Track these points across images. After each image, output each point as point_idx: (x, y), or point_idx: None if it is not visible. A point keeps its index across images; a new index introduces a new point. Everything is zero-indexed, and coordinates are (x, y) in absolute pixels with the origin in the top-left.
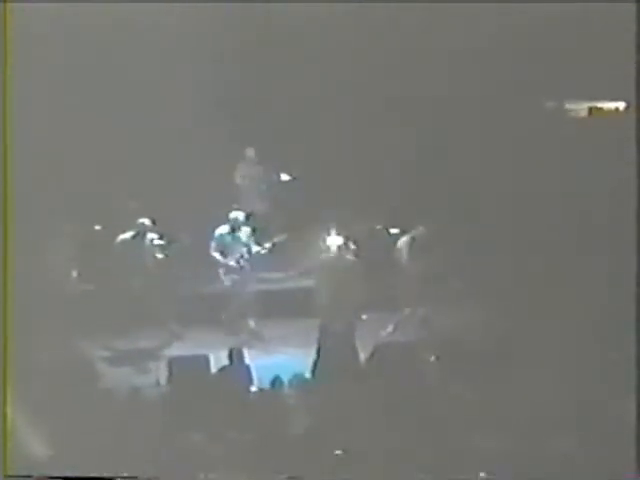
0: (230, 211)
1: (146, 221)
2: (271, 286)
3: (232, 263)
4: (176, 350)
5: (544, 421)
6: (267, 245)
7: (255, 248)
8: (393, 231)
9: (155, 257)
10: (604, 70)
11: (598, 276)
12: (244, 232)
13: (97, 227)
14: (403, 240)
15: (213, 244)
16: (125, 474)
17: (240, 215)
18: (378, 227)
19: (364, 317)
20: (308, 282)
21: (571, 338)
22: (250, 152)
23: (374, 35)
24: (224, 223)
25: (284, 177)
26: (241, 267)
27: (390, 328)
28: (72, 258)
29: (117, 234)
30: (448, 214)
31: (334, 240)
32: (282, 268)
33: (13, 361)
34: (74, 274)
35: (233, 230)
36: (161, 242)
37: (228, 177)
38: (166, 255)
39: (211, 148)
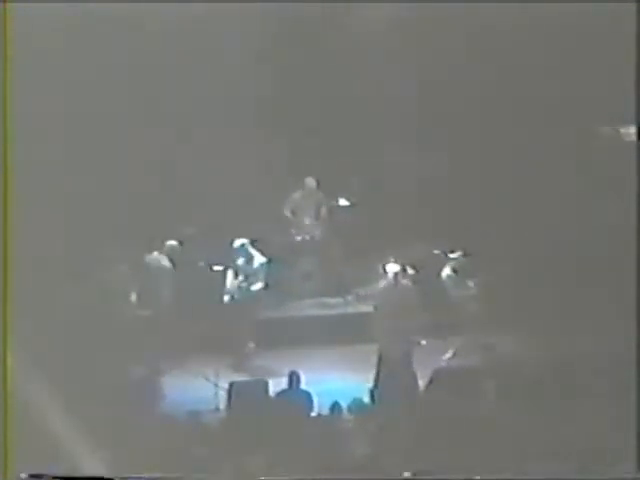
0: (290, 238)
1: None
2: (330, 311)
3: (231, 292)
4: (236, 375)
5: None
6: (258, 283)
7: (246, 283)
8: (452, 256)
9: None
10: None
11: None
12: (257, 261)
13: (155, 253)
14: (446, 272)
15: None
16: None
17: (246, 241)
18: (436, 252)
19: (423, 342)
20: (367, 307)
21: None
22: (310, 181)
23: (435, 56)
24: (283, 249)
25: (342, 202)
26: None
27: (449, 354)
28: (131, 282)
29: (175, 259)
30: (507, 237)
31: (392, 266)
32: (341, 293)
33: (73, 383)
34: (133, 298)
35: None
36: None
37: (287, 203)
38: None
39: (271, 174)
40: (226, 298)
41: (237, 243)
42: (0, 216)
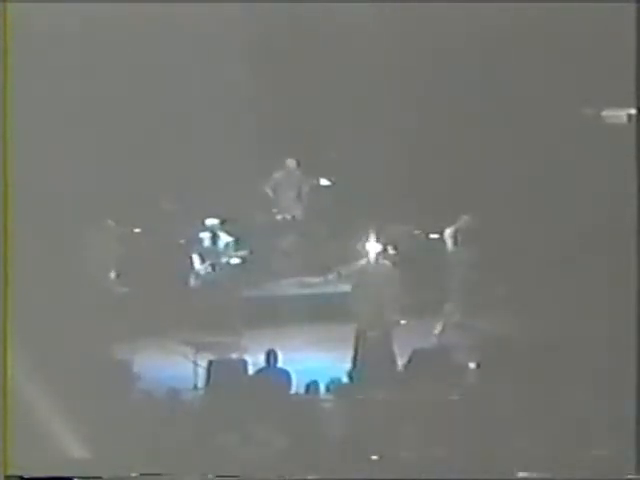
0: (271, 216)
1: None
2: (311, 290)
3: (204, 269)
4: (215, 353)
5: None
6: (235, 258)
7: (225, 259)
8: (432, 236)
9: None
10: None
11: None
12: (223, 240)
13: (136, 230)
14: (448, 232)
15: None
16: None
17: (215, 222)
18: (417, 232)
19: (402, 322)
20: (347, 287)
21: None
22: (291, 163)
23: (412, 42)
24: (263, 228)
25: (323, 182)
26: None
27: (438, 329)
28: (111, 259)
29: (156, 236)
30: (488, 218)
31: (373, 245)
32: (322, 273)
33: (49, 361)
34: (112, 275)
35: (214, 236)
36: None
37: (268, 182)
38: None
39: (250, 153)
40: (205, 276)
41: (208, 222)
42: None
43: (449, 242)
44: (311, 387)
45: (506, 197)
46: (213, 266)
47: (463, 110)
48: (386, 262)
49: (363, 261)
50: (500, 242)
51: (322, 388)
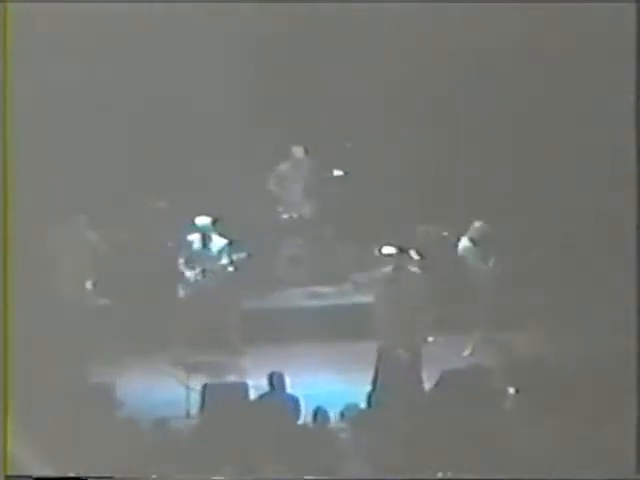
0: (274, 215)
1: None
2: (322, 302)
3: (197, 277)
4: (210, 376)
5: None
6: (229, 262)
7: (219, 264)
8: (463, 238)
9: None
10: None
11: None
12: (216, 243)
13: (117, 231)
14: (464, 244)
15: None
16: None
17: (207, 221)
18: (445, 234)
19: (430, 339)
20: (365, 298)
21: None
22: (298, 151)
23: (425, 33)
24: (266, 229)
25: (337, 173)
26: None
27: (468, 350)
28: (87, 265)
29: (139, 238)
30: (526, 220)
31: (394, 249)
32: (335, 281)
33: (23, 385)
34: (88, 285)
35: (204, 239)
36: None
37: (271, 175)
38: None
39: (250, 141)
40: (196, 284)
41: (199, 221)
42: None
43: (467, 250)
44: (323, 415)
45: (540, 208)
46: (205, 273)
47: (484, 102)
48: (410, 269)
49: (383, 268)
50: (535, 248)
51: (336, 416)
